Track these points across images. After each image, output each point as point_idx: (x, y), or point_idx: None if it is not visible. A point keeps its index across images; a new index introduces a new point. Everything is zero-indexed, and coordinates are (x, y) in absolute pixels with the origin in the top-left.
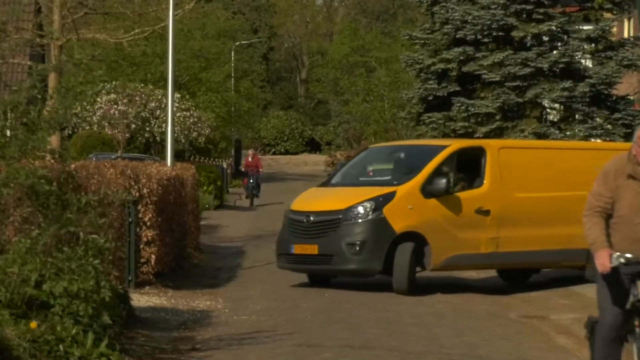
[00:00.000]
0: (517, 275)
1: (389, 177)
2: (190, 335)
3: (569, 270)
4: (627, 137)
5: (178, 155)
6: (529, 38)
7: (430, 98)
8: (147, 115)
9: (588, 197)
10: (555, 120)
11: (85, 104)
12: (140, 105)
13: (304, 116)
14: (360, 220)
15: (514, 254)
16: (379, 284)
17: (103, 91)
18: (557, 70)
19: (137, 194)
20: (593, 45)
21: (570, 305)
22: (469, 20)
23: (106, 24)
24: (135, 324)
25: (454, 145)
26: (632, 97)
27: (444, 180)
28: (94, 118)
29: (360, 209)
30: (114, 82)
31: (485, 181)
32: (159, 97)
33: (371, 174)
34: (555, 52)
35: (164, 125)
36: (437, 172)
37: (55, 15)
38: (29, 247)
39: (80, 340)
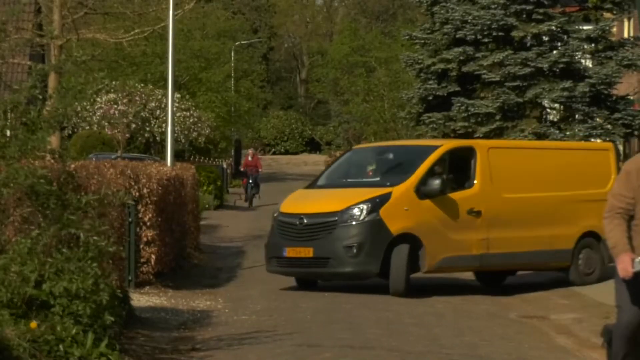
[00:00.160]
0: (493, 277)
1: (378, 179)
2: (190, 335)
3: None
4: (627, 137)
5: (178, 155)
6: (529, 38)
7: (430, 98)
8: (147, 115)
9: (608, 197)
10: (555, 120)
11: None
12: (140, 105)
13: (304, 116)
14: (356, 222)
15: (503, 255)
16: (378, 284)
17: (103, 91)
18: (557, 70)
19: (137, 194)
20: (593, 45)
21: (570, 305)
22: (469, 20)
23: (106, 24)
24: (135, 324)
25: (446, 145)
26: (632, 97)
27: (438, 181)
28: (94, 118)
29: (357, 211)
30: (114, 82)
31: (475, 182)
32: (159, 97)
33: (371, 173)
34: (555, 52)
35: (164, 125)
36: (431, 173)
37: (55, 15)
38: (29, 247)
39: (80, 340)
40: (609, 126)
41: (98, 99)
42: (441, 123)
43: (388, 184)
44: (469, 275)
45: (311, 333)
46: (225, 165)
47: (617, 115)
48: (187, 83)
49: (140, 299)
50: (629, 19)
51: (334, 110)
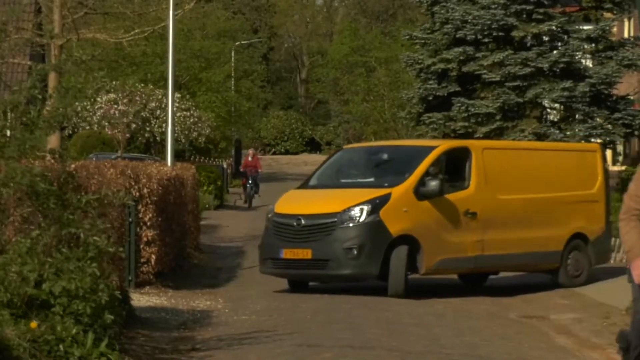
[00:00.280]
0: (476, 278)
1: (372, 179)
2: (190, 335)
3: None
4: (627, 137)
5: (178, 155)
6: (529, 38)
7: (430, 98)
8: (147, 115)
9: (625, 199)
10: (556, 120)
11: (85, 103)
12: (141, 105)
13: (304, 116)
14: (357, 224)
15: (497, 257)
16: (377, 285)
17: (103, 91)
18: (557, 70)
19: (137, 194)
20: (593, 45)
21: (570, 305)
22: (469, 20)
23: (106, 24)
24: (135, 324)
25: (443, 146)
26: (632, 97)
27: (437, 182)
28: (94, 118)
29: (357, 212)
30: (114, 82)
31: (471, 183)
32: (159, 97)
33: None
34: (555, 52)
35: (164, 125)
36: (428, 174)
37: (55, 15)
38: (28, 247)
39: (80, 340)
40: (609, 126)
41: (98, 99)
42: (441, 123)
43: (386, 184)
44: None
45: (311, 333)
46: (225, 165)
47: (617, 115)
48: (187, 83)
49: (141, 299)
50: (629, 19)
51: (334, 110)
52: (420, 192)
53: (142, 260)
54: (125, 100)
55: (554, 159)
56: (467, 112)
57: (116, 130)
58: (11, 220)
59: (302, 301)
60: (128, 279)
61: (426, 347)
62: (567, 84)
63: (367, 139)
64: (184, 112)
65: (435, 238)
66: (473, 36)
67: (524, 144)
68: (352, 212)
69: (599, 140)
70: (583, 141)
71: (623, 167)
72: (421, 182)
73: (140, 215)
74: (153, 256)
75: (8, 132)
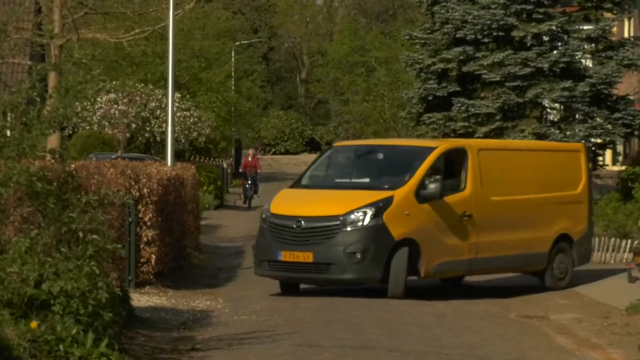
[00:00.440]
0: (454, 277)
1: (367, 180)
2: (190, 335)
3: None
4: (627, 136)
5: (178, 155)
6: (529, 38)
7: (430, 98)
8: (147, 115)
9: None
10: (556, 120)
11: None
12: (141, 105)
13: (304, 116)
14: (360, 227)
15: (490, 260)
16: (376, 286)
17: (103, 91)
18: (557, 70)
19: (137, 194)
20: (593, 45)
21: (570, 305)
22: (469, 20)
23: (106, 24)
24: (135, 324)
25: (442, 147)
26: (632, 97)
27: (438, 185)
28: (94, 118)
29: (360, 215)
30: (114, 82)
31: (467, 185)
32: (159, 97)
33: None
34: (555, 52)
35: (164, 125)
36: (429, 176)
37: (55, 15)
38: (27, 247)
39: (80, 340)
40: (609, 126)
41: (98, 99)
42: (441, 123)
43: (386, 186)
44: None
45: (311, 333)
46: (225, 165)
47: (617, 115)
48: (187, 83)
49: (141, 299)
50: (629, 19)
51: (334, 110)
52: (421, 195)
53: (142, 260)
54: (125, 100)
55: (542, 159)
56: (467, 112)
57: (116, 130)
58: (11, 220)
59: (302, 301)
60: (128, 278)
61: (426, 347)
62: (567, 84)
63: (367, 139)
64: (184, 112)
65: (434, 241)
66: (473, 36)
67: (514, 144)
68: (356, 215)
69: (599, 140)
70: (583, 141)
71: (623, 167)
72: (422, 185)
73: (140, 215)
74: (153, 256)
75: (8, 132)
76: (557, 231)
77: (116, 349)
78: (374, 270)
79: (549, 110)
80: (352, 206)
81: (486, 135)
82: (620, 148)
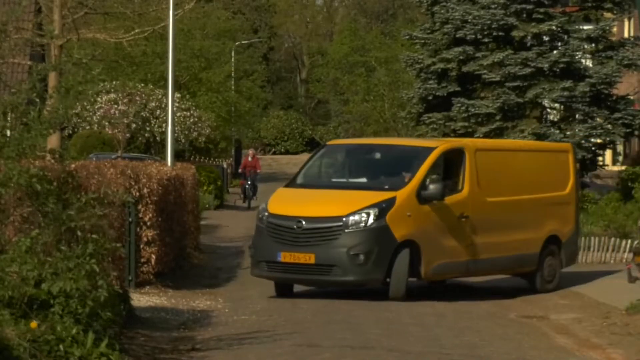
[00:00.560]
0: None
1: (364, 180)
2: (190, 335)
3: (567, 270)
4: (627, 136)
5: (178, 155)
6: (529, 38)
7: (430, 98)
8: (147, 115)
9: None
10: (556, 120)
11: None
12: (141, 105)
13: (304, 116)
14: (363, 229)
15: (486, 261)
16: (376, 287)
17: (103, 91)
18: (557, 70)
19: (137, 193)
20: (593, 45)
21: (570, 305)
22: (469, 20)
23: (106, 24)
24: (135, 324)
25: (441, 147)
26: (632, 97)
27: (439, 186)
28: (94, 118)
29: (364, 216)
30: (114, 82)
31: (465, 185)
32: (159, 97)
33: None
34: (555, 52)
35: (164, 125)
36: (429, 176)
37: (55, 15)
38: (27, 246)
39: (80, 340)
40: (609, 126)
41: (98, 99)
42: (441, 123)
43: (387, 187)
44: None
45: (311, 333)
46: (225, 165)
47: (617, 115)
48: (187, 83)
49: (141, 299)
50: (629, 19)
51: (334, 110)
52: (422, 196)
53: (142, 260)
54: (125, 100)
55: (533, 159)
56: (467, 112)
57: (116, 130)
58: (11, 220)
59: (302, 301)
60: (128, 278)
61: (426, 347)
62: (567, 84)
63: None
64: (184, 112)
65: (434, 242)
66: (473, 36)
67: (507, 144)
68: (359, 216)
69: (599, 140)
70: (583, 141)
71: (623, 167)
72: (423, 186)
73: (140, 215)
74: (153, 256)
75: (8, 132)
76: (547, 232)
77: (116, 349)
78: (377, 272)
79: (549, 110)
80: (354, 207)
81: (486, 136)
82: (620, 148)
